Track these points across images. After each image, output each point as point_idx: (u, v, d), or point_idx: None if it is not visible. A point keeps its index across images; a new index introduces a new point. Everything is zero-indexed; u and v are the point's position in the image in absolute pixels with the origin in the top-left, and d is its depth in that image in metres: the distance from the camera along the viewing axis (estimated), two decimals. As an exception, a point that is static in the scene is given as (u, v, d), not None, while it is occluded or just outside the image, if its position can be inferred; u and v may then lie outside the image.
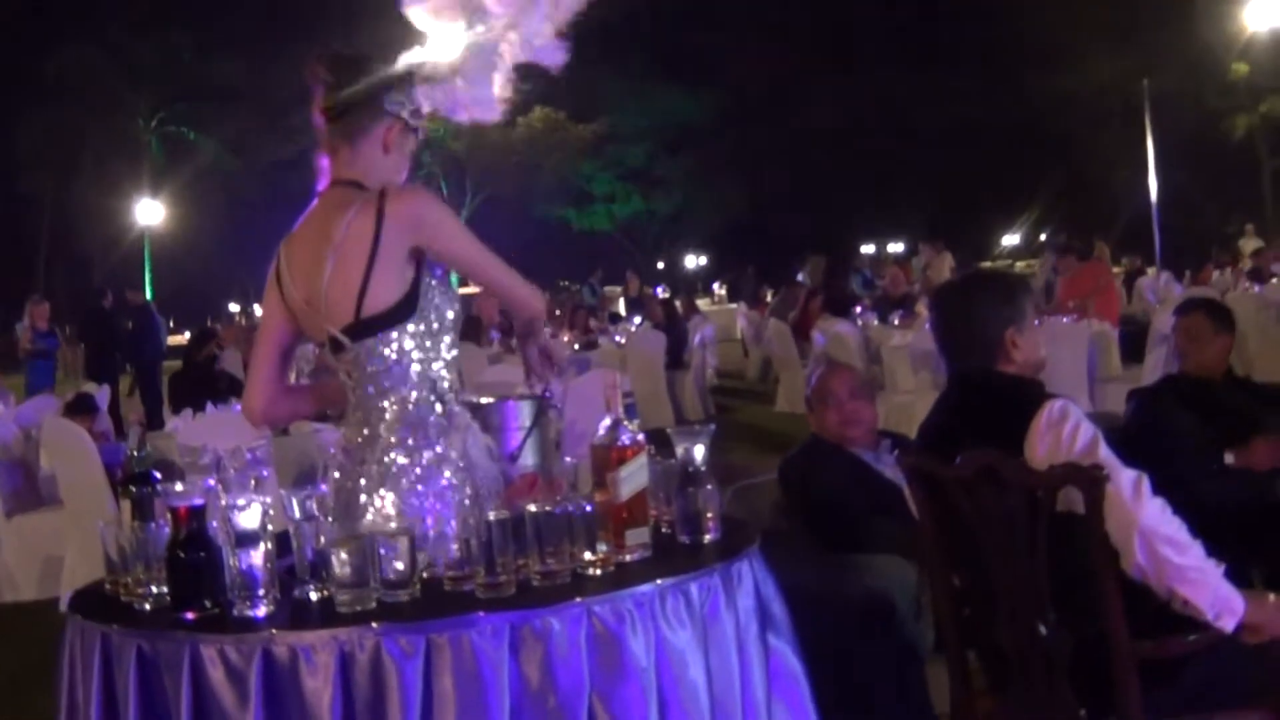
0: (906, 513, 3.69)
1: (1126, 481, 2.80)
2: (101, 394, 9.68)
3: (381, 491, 2.72)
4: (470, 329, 9.82)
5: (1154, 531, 2.78)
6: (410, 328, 2.76)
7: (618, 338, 14.89)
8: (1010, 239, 42.68)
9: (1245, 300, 13.91)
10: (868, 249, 47.13)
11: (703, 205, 46.27)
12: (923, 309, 14.94)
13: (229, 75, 38.74)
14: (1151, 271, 23.61)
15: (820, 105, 42.41)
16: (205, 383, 8.50)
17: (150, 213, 39.25)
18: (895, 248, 39.84)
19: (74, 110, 37.62)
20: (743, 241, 44.85)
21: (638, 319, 17.32)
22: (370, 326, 2.74)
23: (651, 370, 13.13)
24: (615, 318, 19.52)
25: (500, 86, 2.91)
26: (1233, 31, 31.38)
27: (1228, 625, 2.80)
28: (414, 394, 2.78)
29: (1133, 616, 2.78)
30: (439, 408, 2.80)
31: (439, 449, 2.76)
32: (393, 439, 2.76)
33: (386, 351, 2.77)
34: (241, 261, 41.33)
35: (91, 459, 6.93)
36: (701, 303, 28.87)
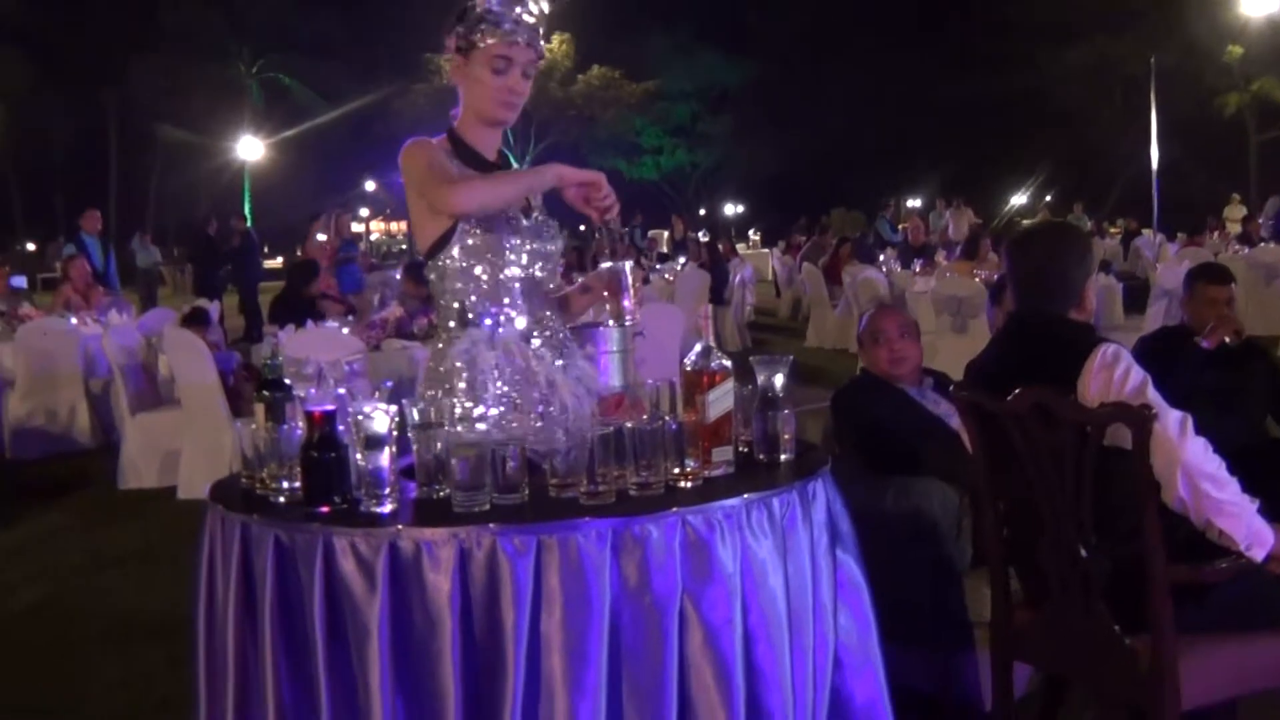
0: (949, 441, 3.63)
1: (1173, 421, 2.71)
2: (212, 308, 9.70)
3: (463, 396, 2.67)
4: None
5: (1197, 468, 2.70)
6: (454, 259, 2.76)
7: (666, 275, 14.79)
8: (1018, 199, 42.06)
9: (1236, 261, 13.69)
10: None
11: (740, 159, 45.98)
12: (941, 258, 14.78)
13: (323, 29, 38.59)
14: (1147, 232, 23.28)
15: (846, 72, 41.89)
16: (306, 308, 8.48)
17: (250, 149, 39.27)
18: (913, 203, 39.29)
19: (184, 56, 37.59)
20: (776, 192, 44.53)
21: (682, 259, 17.20)
22: (428, 257, 2.79)
23: (697, 304, 13.03)
24: (663, 258, 19.39)
25: None
26: (1229, 16, 30.72)
27: (1258, 555, 2.73)
28: (476, 312, 2.75)
29: (1168, 543, 2.70)
30: (499, 327, 2.71)
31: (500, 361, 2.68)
32: (455, 354, 2.71)
33: (441, 280, 2.79)
34: (327, 195, 41.42)
35: (206, 365, 6.93)
36: (739, 247, 28.68)
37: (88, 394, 8.98)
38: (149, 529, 6.54)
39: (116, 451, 7.80)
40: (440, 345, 2.80)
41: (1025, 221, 32.17)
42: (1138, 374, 2.81)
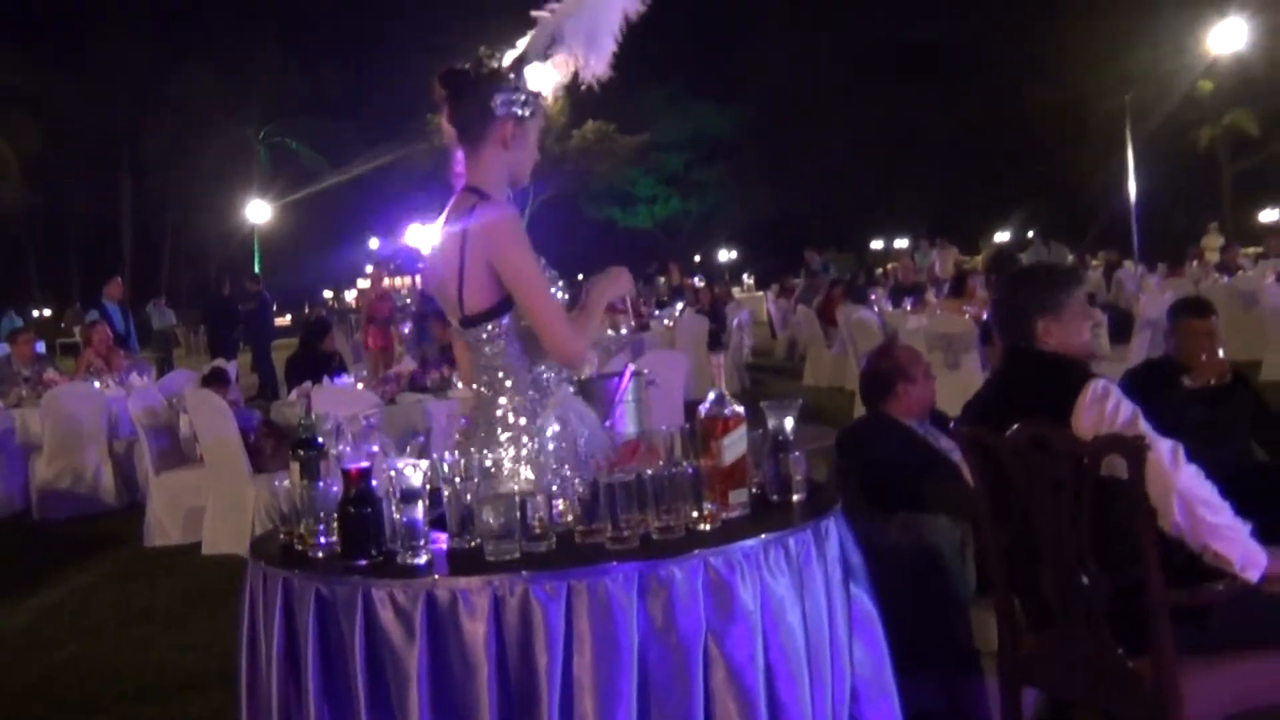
0: (953, 475, 3.68)
1: (1166, 450, 2.77)
2: (231, 367, 9.76)
3: (497, 449, 2.72)
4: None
5: (1192, 494, 2.75)
6: (507, 323, 2.75)
7: (665, 321, 14.86)
8: (1001, 235, 42.28)
9: (1217, 290, 13.79)
10: (876, 244, 46.95)
11: (733, 206, 46.25)
12: (931, 296, 14.86)
13: (326, 93, 38.98)
14: (1129, 264, 23.40)
15: (833, 116, 42.20)
16: (322, 364, 8.54)
17: (259, 212, 39.51)
18: (901, 243, 39.48)
19: (193, 123, 37.93)
20: (768, 236, 44.75)
21: (679, 304, 17.27)
22: (473, 320, 2.76)
23: (697, 349, 13.10)
24: (660, 303, 19.46)
25: (615, 33, 2.82)
26: (1200, 53, 31.04)
27: (1253, 576, 2.77)
28: (517, 375, 2.78)
29: (1166, 567, 2.75)
30: (539, 386, 2.79)
31: (539, 421, 2.75)
32: (499, 409, 2.76)
33: (490, 343, 2.77)
34: (333, 253, 41.69)
35: (228, 423, 6.97)
36: (734, 291, 28.79)
37: (112, 455, 9.03)
38: (177, 585, 6.56)
39: (141, 510, 7.84)
40: (500, 398, 2.79)
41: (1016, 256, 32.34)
42: (1128, 407, 2.87)
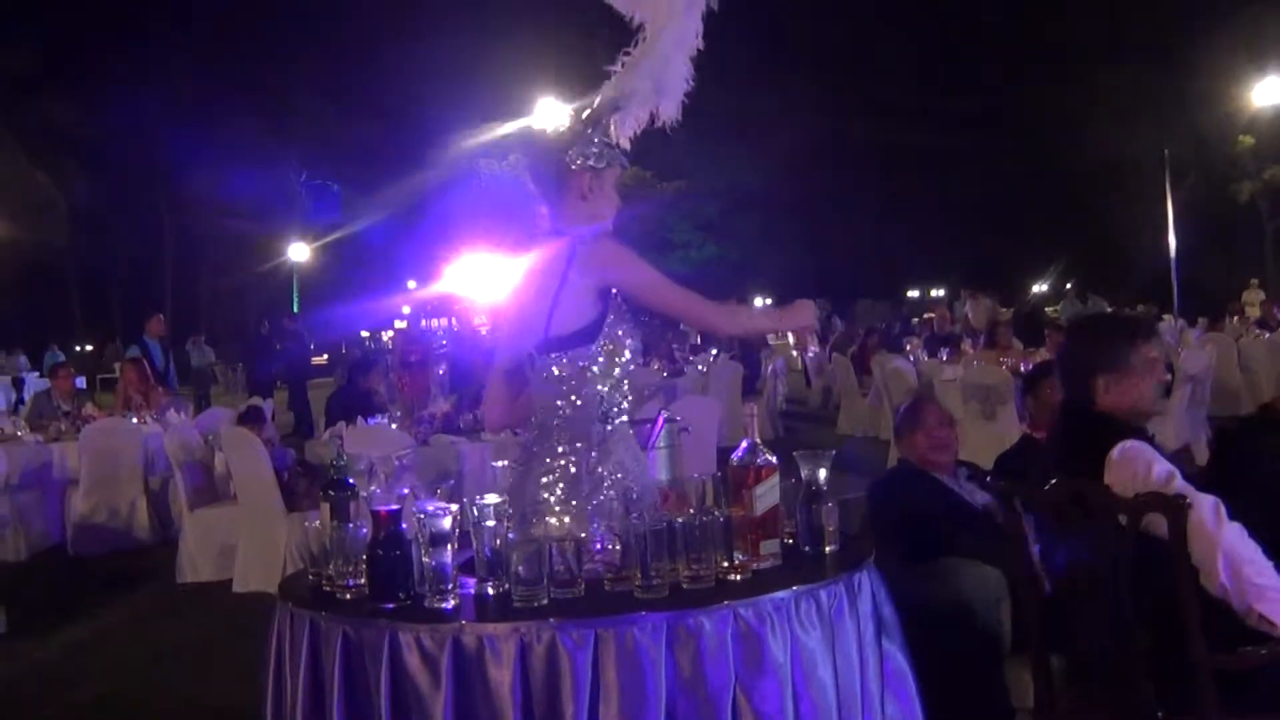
0: (986, 528, 3.62)
1: (1208, 508, 2.71)
2: (267, 405, 9.81)
3: (549, 486, 2.73)
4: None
5: (1236, 553, 2.69)
6: (591, 349, 2.79)
7: (700, 367, 14.83)
8: (1039, 287, 42.10)
9: (1257, 345, 13.66)
10: (913, 293, 46.80)
11: (768, 253, 46.29)
12: (967, 347, 14.78)
13: (366, 135, 39.44)
14: (1168, 318, 23.21)
15: (872, 167, 42.27)
16: (363, 401, 8.58)
17: (299, 252, 39.98)
18: (937, 292, 39.37)
19: (236, 163, 38.48)
20: (802, 284, 44.69)
21: (714, 350, 17.23)
22: (556, 344, 2.79)
23: (731, 395, 13.06)
24: (695, 348, 19.44)
25: (686, 79, 2.94)
26: (1240, 109, 30.92)
27: None
28: (585, 407, 2.80)
29: (1208, 627, 2.68)
30: (603, 422, 2.80)
31: (594, 455, 2.77)
32: (561, 445, 2.77)
33: (565, 368, 2.80)
34: (370, 294, 41.95)
35: (263, 461, 7.00)
36: (769, 337, 28.71)
37: (147, 491, 9.07)
38: (206, 623, 6.56)
39: (175, 547, 7.86)
40: (549, 438, 2.80)
41: (1048, 309, 32.16)
42: (1162, 467, 2.80)
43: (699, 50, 2.96)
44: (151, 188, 39.80)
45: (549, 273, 2.82)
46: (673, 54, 2.91)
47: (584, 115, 2.92)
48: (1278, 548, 2.75)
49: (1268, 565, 2.71)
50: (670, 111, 2.97)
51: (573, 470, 2.74)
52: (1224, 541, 2.68)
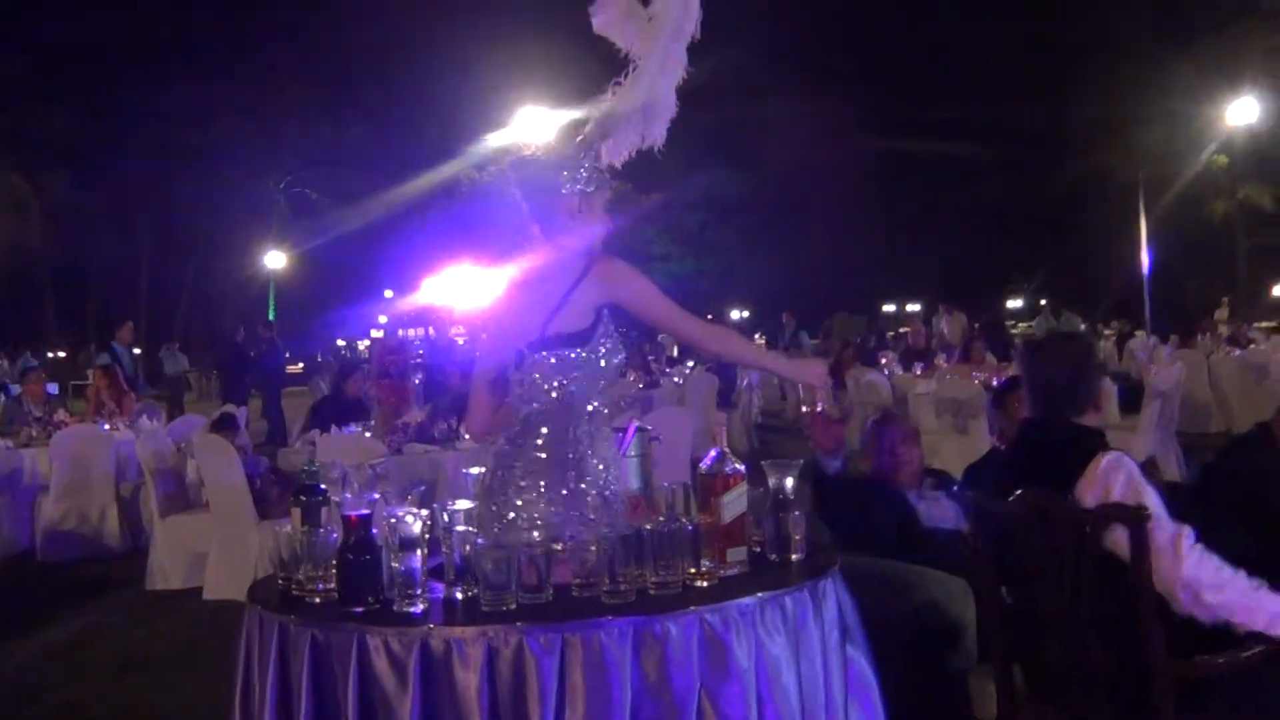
0: (932, 547, 3.69)
1: (1167, 538, 2.74)
2: (240, 413, 9.78)
3: (529, 474, 2.77)
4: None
5: (1195, 580, 2.74)
6: (584, 355, 2.86)
7: (676, 379, 14.87)
8: (1013, 303, 42.41)
9: (1228, 362, 13.78)
10: (889, 307, 47.05)
11: (746, 266, 46.47)
12: (941, 361, 14.88)
13: (347, 145, 39.40)
14: (1140, 334, 23.42)
15: (848, 181, 42.47)
16: (352, 409, 8.60)
17: (276, 260, 39.85)
18: (913, 307, 39.60)
19: (215, 171, 38.35)
20: (780, 297, 44.87)
21: (690, 363, 17.29)
22: (552, 343, 2.86)
23: (706, 407, 13.09)
24: (672, 361, 19.50)
25: (673, 106, 3.07)
26: (1215, 128, 31.26)
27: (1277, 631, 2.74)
28: (570, 400, 2.85)
29: (1171, 635, 2.73)
30: (581, 425, 2.85)
31: (575, 449, 2.81)
32: (542, 435, 2.82)
33: (555, 361, 2.86)
34: (347, 303, 41.83)
35: (235, 469, 6.98)
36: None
37: (118, 498, 9.02)
38: (176, 631, 6.53)
39: (145, 554, 7.82)
40: (527, 443, 2.85)
41: (1023, 326, 32.37)
42: (1140, 484, 2.83)
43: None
44: (129, 193, 39.56)
45: (555, 283, 2.92)
46: (660, 81, 3.04)
47: (576, 140, 3.03)
48: (1263, 563, 2.80)
49: (1230, 580, 2.74)
50: (658, 136, 3.11)
51: (552, 458, 2.78)
52: (1184, 570, 2.73)
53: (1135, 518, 2.68)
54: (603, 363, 2.91)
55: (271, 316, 36.70)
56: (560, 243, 3.00)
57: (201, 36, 38.05)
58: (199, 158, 38.05)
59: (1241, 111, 29.27)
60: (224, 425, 8.13)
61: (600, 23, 3.13)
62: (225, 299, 40.18)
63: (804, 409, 3.34)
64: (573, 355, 2.87)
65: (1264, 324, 27.92)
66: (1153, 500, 2.79)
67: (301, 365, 35.75)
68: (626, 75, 3.07)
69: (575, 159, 3.01)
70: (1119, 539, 2.73)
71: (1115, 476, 2.84)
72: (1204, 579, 2.73)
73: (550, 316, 2.88)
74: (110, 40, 36.31)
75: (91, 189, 37.16)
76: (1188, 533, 2.76)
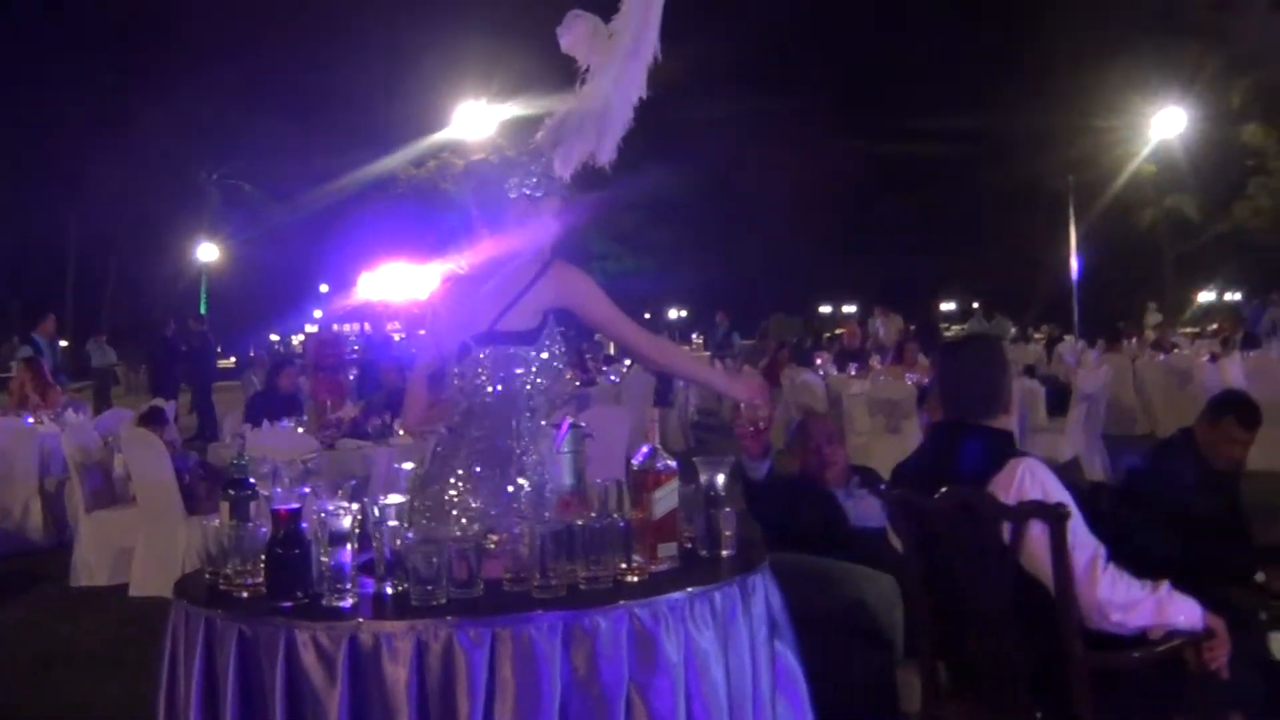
0: (856, 546, 3.75)
1: (1084, 559, 2.81)
2: (169, 408, 9.63)
3: (462, 476, 2.78)
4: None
5: (1107, 603, 2.82)
6: (529, 353, 2.89)
7: (612, 377, 14.89)
8: (947, 305, 43.02)
9: (1153, 367, 14.08)
10: (825, 309, 47.48)
11: (683, 266, 46.59)
12: (875, 362, 15.05)
13: (282, 135, 38.84)
14: (1069, 339, 23.86)
15: (784, 184, 42.78)
16: (286, 404, 8.50)
17: (208, 253, 39.28)
18: (849, 309, 40.02)
19: (144, 160, 37.62)
20: (716, 298, 45.10)
21: (628, 361, 17.31)
22: (499, 338, 2.89)
23: (643, 405, 13.11)
24: (609, 359, 19.52)
25: (627, 123, 3.13)
26: (1144, 136, 31.94)
27: (1198, 627, 2.84)
28: (512, 395, 2.88)
29: (1085, 629, 2.80)
30: (523, 420, 2.87)
31: (514, 441, 2.85)
32: (484, 427, 2.85)
33: (499, 355, 2.89)
34: (281, 297, 41.31)
35: (163, 463, 6.87)
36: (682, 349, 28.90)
37: (42, 492, 8.85)
38: (101, 627, 6.42)
39: (69, 549, 7.68)
40: (466, 438, 2.87)
41: (956, 328, 32.84)
42: (1056, 489, 2.89)
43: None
44: (54, 183, 38.67)
45: (508, 281, 2.94)
46: (614, 97, 3.09)
47: (528, 147, 3.08)
48: (1186, 564, 2.88)
49: (1141, 598, 2.83)
50: (608, 154, 3.15)
51: (492, 451, 2.80)
52: (1097, 594, 2.80)
53: (1056, 515, 2.75)
54: (553, 363, 2.94)
55: (203, 310, 36.17)
56: (506, 240, 3.03)
57: (120, 19, 37.23)
58: (124, 147, 37.28)
59: (1168, 122, 30.00)
60: (152, 419, 7.99)
61: (567, 43, 3.18)
62: (155, 291, 39.46)
63: (740, 423, 3.36)
64: (514, 352, 2.89)
65: (1188, 330, 28.59)
66: (1074, 517, 2.85)
67: (234, 360, 35.27)
68: (581, 84, 3.12)
69: (525, 165, 3.05)
70: (1037, 549, 2.79)
71: (1028, 483, 2.88)
72: (1115, 600, 2.82)
73: (500, 314, 2.91)
74: (29, 27, 35.49)
75: (9, 178, 36.24)
76: (1103, 553, 2.83)
